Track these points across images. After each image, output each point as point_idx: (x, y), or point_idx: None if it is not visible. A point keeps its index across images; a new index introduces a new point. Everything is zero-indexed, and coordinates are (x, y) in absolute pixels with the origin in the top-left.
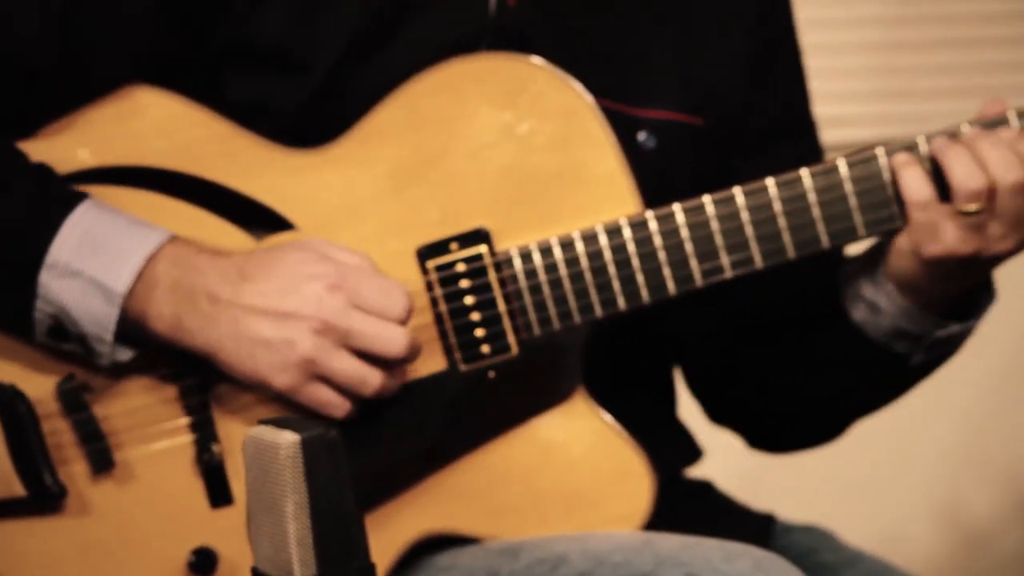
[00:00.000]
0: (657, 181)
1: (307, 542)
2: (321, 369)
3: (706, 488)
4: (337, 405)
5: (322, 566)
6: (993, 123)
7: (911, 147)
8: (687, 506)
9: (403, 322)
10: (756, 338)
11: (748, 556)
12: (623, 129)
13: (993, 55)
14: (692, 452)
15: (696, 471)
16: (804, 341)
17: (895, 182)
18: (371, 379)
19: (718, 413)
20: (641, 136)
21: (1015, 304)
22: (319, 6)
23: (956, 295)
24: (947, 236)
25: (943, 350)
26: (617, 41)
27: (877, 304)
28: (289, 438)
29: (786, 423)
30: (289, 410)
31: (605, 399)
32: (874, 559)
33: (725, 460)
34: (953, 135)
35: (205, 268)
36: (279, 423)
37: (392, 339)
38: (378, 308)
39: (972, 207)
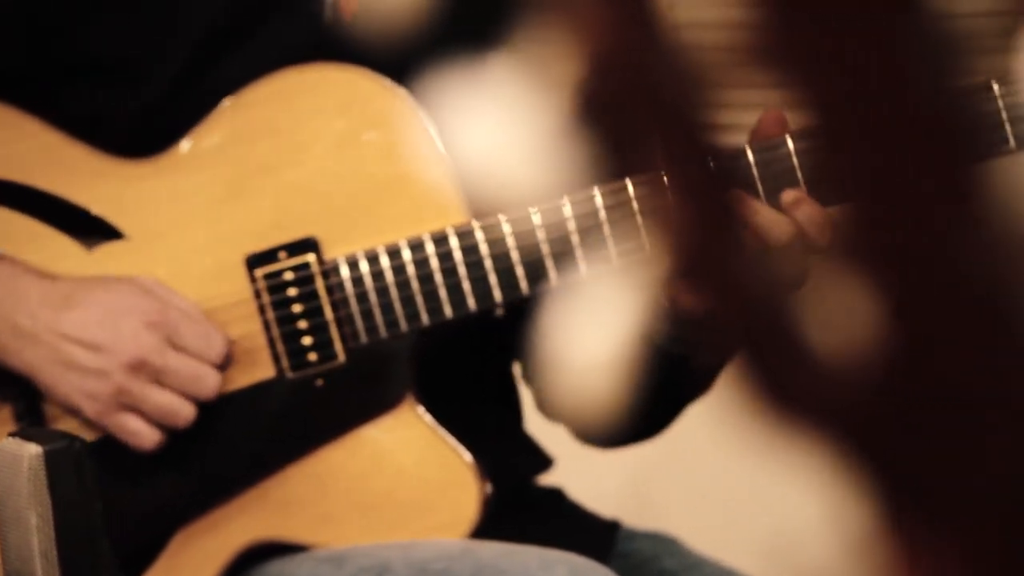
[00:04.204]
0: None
1: (52, 556)
2: (132, 401)
3: (554, 495)
4: (145, 435)
5: None
6: (773, 146)
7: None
8: (531, 513)
9: (219, 367)
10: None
11: (566, 563)
12: None
13: None
14: (539, 461)
15: (587, 485)
16: None
17: None
18: (183, 412)
19: (545, 405)
20: None
21: None
22: (155, 18)
23: None
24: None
25: (722, 358)
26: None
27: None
28: (32, 450)
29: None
30: None
31: (445, 409)
32: (715, 565)
33: (610, 473)
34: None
35: (28, 289)
36: (26, 435)
37: (205, 384)
38: (195, 350)
39: None
